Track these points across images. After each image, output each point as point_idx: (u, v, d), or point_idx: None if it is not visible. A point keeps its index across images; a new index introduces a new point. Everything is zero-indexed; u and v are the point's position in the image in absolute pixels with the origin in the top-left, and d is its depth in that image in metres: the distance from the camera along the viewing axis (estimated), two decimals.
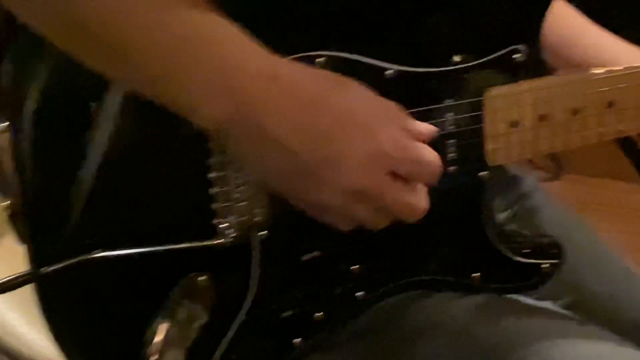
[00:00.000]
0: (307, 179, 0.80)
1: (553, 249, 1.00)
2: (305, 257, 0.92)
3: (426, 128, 0.86)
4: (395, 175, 0.82)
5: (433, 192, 0.88)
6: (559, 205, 1.19)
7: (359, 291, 0.96)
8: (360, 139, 0.80)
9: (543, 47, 0.98)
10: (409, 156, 0.82)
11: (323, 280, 0.94)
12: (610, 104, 0.94)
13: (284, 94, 0.78)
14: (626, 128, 0.95)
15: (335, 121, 0.79)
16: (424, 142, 0.84)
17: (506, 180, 1.17)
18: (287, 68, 0.80)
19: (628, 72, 0.93)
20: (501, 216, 1.13)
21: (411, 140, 0.83)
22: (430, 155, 0.84)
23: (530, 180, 1.20)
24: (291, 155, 0.78)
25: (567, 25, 1.10)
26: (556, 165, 2.87)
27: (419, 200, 0.85)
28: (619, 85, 0.93)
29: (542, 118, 0.92)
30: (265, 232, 0.89)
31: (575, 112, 0.93)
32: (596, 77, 0.93)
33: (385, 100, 0.84)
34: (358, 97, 0.82)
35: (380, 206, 0.83)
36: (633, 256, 2.50)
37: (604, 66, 0.95)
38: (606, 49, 1.07)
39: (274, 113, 0.77)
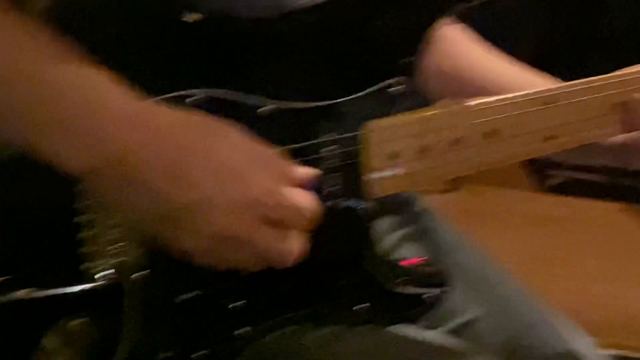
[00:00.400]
0: (176, 224, 0.79)
1: (438, 278, 1.00)
2: (183, 297, 0.90)
3: (304, 172, 0.85)
4: (268, 222, 0.81)
5: (315, 227, 0.87)
6: (447, 227, 1.19)
7: (241, 328, 0.94)
8: (230, 184, 0.79)
9: (438, 77, 0.98)
10: (282, 202, 0.82)
11: (203, 319, 0.92)
12: (489, 134, 0.93)
13: (153, 141, 0.77)
14: (504, 158, 0.95)
15: (205, 167, 0.79)
16: (300, 186, 0.83)
17: (393, 207, 1.17)
18: (157, 113, 0.79)
19: (505, 102, 0.94)
20: (386, 245, 1.12)
21: (285, 187, 0.82)
22: (305, 201, 0.84)
23: (419, 204, 1.20)
24: (160, 200, 0.78)
25: (461, 54, 1.10)
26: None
27: (292, 246, 0.84)
28: (497, 116, 0.93)
29: (422, 150, 0.92)
30: (140, 273, 0.87)
31: (455, 142, 0.93)
32: (475, 108, 0.93)
33: (260, 145, 0.83)
34: (230, 142, 0.81)
35: (250, 253, 0.82)
36: (528, 266, 2.54)
37: (499, 93, 0.96)
38: (501, 76, 1.07)
39: (143, 159, 0.77)
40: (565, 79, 1.00)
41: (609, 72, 0.99)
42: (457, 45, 1.11)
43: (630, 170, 1.09)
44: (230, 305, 0.92)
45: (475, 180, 2.85)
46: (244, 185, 0.79)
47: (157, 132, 0.78)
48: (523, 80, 1.08)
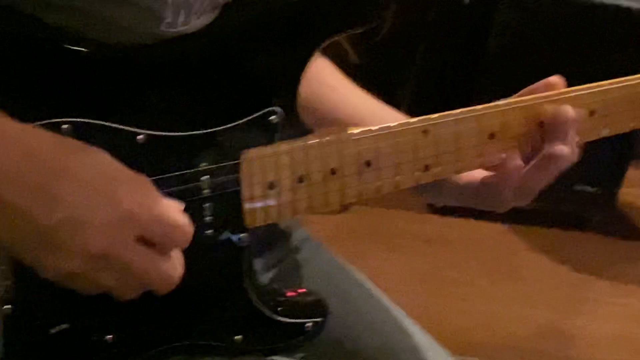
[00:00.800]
0: (47, 244, 0.77)
1: (317, 308, 1.00)
2: (54, 330, 0.88)
3: (172, 202, 0.85)
4: (142, 240, 0.80)
5: (192, 255, 0.86)
6: (328, 257, 1.19)
7: None
8: (102, 202, 0.78)
9: (308, 109, 0.98)
10: (157, 218, 0.81)
11: (75, 352, 0.90)
12: (367, 163, 0.93)
13: (21, 161, 0.76)
14: (383, 187, 0.95)
15: (75, 185, 0.78)
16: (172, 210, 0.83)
17: (273, 237, 1.16)
18: (26, 133, 0.78)
19: (382, 131, 0.94)
20: (266, 275, 1.11)
21: (159, 205, 0.82)
22: (179, 217, 0.83)
23: (300, 233, 1.19)
24: (31, 220, 0.77)
25: (331, 89, 1.11)
26: None
27: (172, 268, 0.83)
28: (374, 145, 0.93)
29: (300, 179, 0.92)
30: (9, 306, 0.85)
31: (333, 172, 0.92)
32: (353, 138, 0.93)
33: (132, 172, 0.82)
34: (101, 162, 0.80)
35: (127, 274, 0.81)
36: (418, 286, 2.57)
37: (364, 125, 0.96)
38: (363, 110, 1.07)
39: (12, 180, 0.76)
40: (453, 104, 1.01)
41: (496, 96, 1.00)
42: (322, 78, 1.11)
43: None
44: (101, 339, 0.90)
45: (364, 201, 2.87)
46: (116, 201, 0.79)
47: (26, 151, 0.77)
48: (390, 114, 1.09)
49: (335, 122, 1.01)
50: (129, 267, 0.80)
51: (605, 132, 1.02)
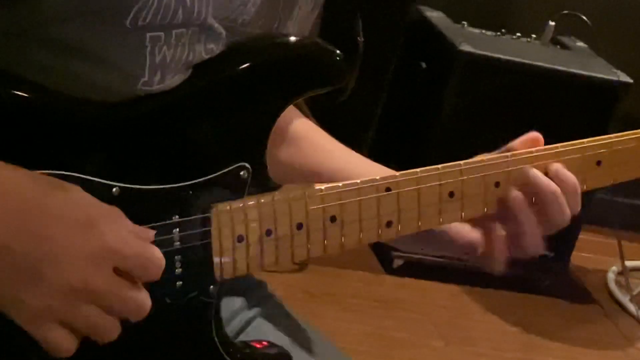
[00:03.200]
0: (28, 279, 0.79)
1: (281, 359, 1.01)
2: None
3: (146, 230, 0.87)
4: (120, 273, 0.83)
5: (163, 308, 0.89)
6: (291, 315, 1.20)
7: None
8: (82, 236, 0.81)
9: (294, 166, 1.01)
10: (133, 251, 0.83)
11: None
12: (332, 219, 0.96)
13: None
14: (348, 243, 0.97)
15: (54, 220, 0.80)
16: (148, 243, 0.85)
17: (242, 288, 1.18)
18: (2, 171, 0.80)
19: (347, 188, 0.97)
20: (233, 326, 1.13)
21: (134, 237, 0.84)
22: (153, 250, 0.85)
23: (264, 289, 1.21)
24: (11, 256, 0.78)
25: (314, 149, 1.13)
26: None
27: (146, 297, 0.85)
28: (340, 201, 0.96)
29: (267, 233, 0.94)
30: None
31: (300, 226, 0.95)
32: (319, 193, 0.96)
33: (105, 204, 0.84)
34: (78, 197, 0.83)
35: (106, 305, 0.82)
36: (373, 348, 2.57)
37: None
38: (349, 169, 1.10)
39: None
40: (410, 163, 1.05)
41: (451, 154, 1.04)
42: (305, 138, 1.14)
43: None
44: None
45: (320, 260, 2.89)
46: (97, 235, 0.81)
47: (4, 189, 0.79)
48: (364, 168, 1.12)
49: (320, 179, 1.03)
50: (108, 297, 0.82)
51: None
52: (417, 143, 2.85)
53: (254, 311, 1.17)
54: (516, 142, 1.04)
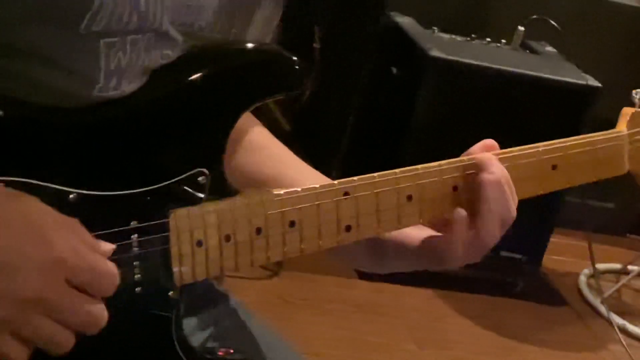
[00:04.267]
0: None
1: None
2: None
3: (104, 245, 0.87)
4: (72, 285, 0.82)
5: (123, 313, 0.89)
6: (261, 324, 1.21)
7: None
8: (34, 247, 0.80)
9: (252, 175, 1.03)
10: (87, 265, 0.83)
11: None
12: (291, 223, 0.97)
13: None
14: (307, 247, 0.98)
15: (6, 231, 0.79)
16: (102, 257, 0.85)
17: (207, 297, 1.18)
18: None
19: (306, 192, 0.97)
20: (199, 334, 1.13)
21: (89, 251, 0.84)
22: (107, 266, 0.85)
23: (233, 299, 1.21)
24: None
25: (273, 159, 1.14)
26: (276, 262, 2.94)
27: (101, 309, 0.85)
28: (298, 206, 0.97)
29: (226, 238, 0.95)
30: None
31: (259, 231, 0.96)
32: (277, 198, 0.96)
33: (63, 215, 0.84)
34: (33, 207, 0.83)
35: (59, 318, 0.82)
36: (346, 352, 2.58)
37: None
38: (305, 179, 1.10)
39: None
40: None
41: (423, 161, 1.04)
42: (265, 147, 1.15)
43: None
44: None
45: (293, 266, 2.90)
46: (50, 247, 0.81)
47: None
48: (319, 179, 1.12)
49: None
50: (60, 310, 0.82)
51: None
52: (390, 148, 2.86)
53: (224, 320, 1.17)
54: (474, 148, 1.05)
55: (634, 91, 1.16)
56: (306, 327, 2.61)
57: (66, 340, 0.84)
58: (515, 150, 1.06)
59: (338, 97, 3.15)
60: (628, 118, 1.15)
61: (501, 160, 1.03)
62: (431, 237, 1.04)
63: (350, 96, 3.13)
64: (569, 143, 1.09)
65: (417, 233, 1.04)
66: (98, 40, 0.89)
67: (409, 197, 1.02)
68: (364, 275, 2.95)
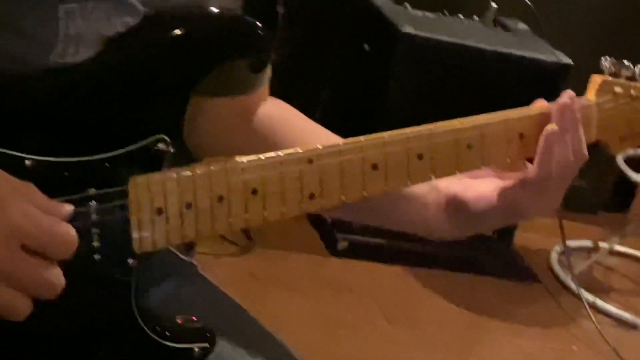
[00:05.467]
0: None
1: (204, 334, 1.01)
2: None
3: (61, 206, 0.86)
4: (29, 251, 0.82)
5: (81, 281, 0.88)
6: (222, 294, 1.20)
7: None
8: None
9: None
10: (43, 229, 0.82)
11: None
12: (254, 191, 0.96)
13: None
14: (270, 215, 0.97)
15: None
16: (60, 219, 0.84)
17: (169, 265, 1.17)
18: None
19: (269, 160, 0.96)
20: (158, 303, 1.12)
21: (44, 215, 0.83)
22: (64, 228, 0.84)
23: (193, 266, 1.21)
24: None
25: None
26: (247, 239, 2.94)
27: (57, 274, 0.84)
28: (261, 173, 0.96)
29: (188, 205, 0.93)
30: None
31: (220, 199, 0.95)
32: (240, 166, 0.95)
33: (17, 179, 0.83)
34: None
35: (16, 285, 0.81)
36: (317, 329, 2.58)
37: None
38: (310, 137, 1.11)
39: None
40: None
41: None
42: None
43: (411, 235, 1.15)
44: None
45: (265, 243, 2.90)
46: (3, 215, 0.79)
47: None
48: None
49: None
50: (17, 277, 0.81)
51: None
52: (363, 124, 2.85)
53: (179, 290, 1.16)
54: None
55: (602, 58, 1.14)
56: (276, 304, 2.61)
57: (24, 306, 0.83)
58: (480, 117, 1.05)
59: (310, 73, 3.14)
60: (597, 86, 1.13)
61: (469, 129, 1.03)
62: (514, 182, 1.06)
63: (323, 72, 3.13)
64: (533, 112, 1.08)
65: (486, 190, 1.08)
66: (57, 6, 0.87)
67: (374, 166, 1.01)
68: (335, 253, 2.96)
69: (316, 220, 3.04)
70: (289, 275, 2.84)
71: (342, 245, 2.96)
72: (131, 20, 0.93)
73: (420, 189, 1.11)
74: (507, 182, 1.08)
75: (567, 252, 2.94)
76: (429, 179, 1.05)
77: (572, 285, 3.04)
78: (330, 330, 2.62)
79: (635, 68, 1.15)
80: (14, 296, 0.82)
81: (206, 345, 1.00)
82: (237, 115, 1.13)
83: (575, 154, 1.06)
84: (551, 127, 1.05)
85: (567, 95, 1.08)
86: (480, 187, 1.10)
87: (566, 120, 1.06)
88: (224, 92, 1.08)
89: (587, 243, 3.39)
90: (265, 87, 1.15)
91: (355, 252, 2.97)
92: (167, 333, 0.98)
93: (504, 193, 1.07)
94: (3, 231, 0.80)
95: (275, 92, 1.19)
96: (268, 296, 2.66)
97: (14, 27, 0.87)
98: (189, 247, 1.21)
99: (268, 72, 1.12)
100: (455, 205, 1.10)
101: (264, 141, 1.12)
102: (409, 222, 1.14)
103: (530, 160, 1.07)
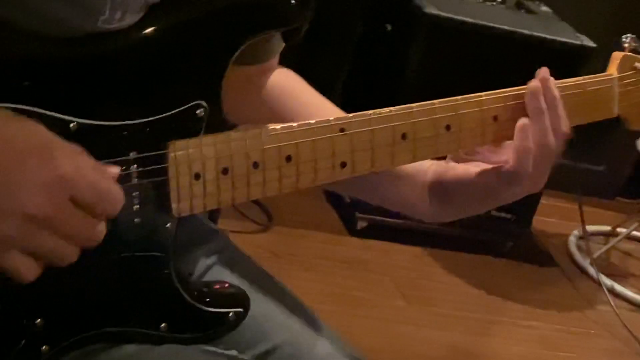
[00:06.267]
0: None
1: (239, 299, 1.04)
2: None
3: (109, 168, 0.88)
4: (76, 203, 0.83)
5: (121, 241, 0.92)
6: (250, 261, 1.22)
7: (44, 345, 0.94)
8: (36, 164, 0.81)
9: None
10: (92, 184, 0.84)
11: (4, 336, 0.91)
12: (288, 158, 0.98)
13: None
14: (302, 182, 0.99)
15: (8, 148, 0.80)
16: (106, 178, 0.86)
17: (202, 234, 1.19)
18: None
19: (302, 128, 0.99)
20: (192, 266, 1.15)
21: (93, 171, 0.85)
22: (111, 185, 0.87)
23: (225, 235, 1.23)
24: None
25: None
26: (266, 217, 2.96)
27: (99, 225, 0.86)
28: (295, 141, 0.98)
29: (224, 171, 0.96)
30: None
31: (256, 165, 0.97)
32: (273, 133, 0.97)
33: (66, 141, 0.85)
34: (35, 128, 0.83)
35: (61, 232, 0.83)
36: (334, 307, 2.60)
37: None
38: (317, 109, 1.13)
39: None
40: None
41: None
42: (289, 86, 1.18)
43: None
44: (31, 323, 0.92)
45: (284, 221, 2.91)
46: (52, 163, 0.81)
47: None
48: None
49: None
50: (63, 225, 0.83)
51: None
52: (383, 105, 2.85)
53: (213, 258, 1.18)
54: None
55: (623, 36, 1.16)
56: (294, 282, 2.58)
57: (71, 253, 0.85)
58: (507, 91, 1.07)
59: (331, 53, 3.15)
60: (618, 62, 1.15)
61: (491, 101, 1.06)
62: (497, 165, 1.06)
63: (344, 52, 3.13)
64: (560, 84, 1.10)
65: (468, 171, 1.07)
66: None
67: (403, 136, 1.03)
68: (353, 232, 2.97)
69: (335, 200, 3.06)
70: (307, 253, 2.85)
71: (360, 224, 2.97)
72: None
73: (411, 168, 1.12)
74: (486, 167, 1.08)
75: (585, 236, 2.96)
76: (457, 151, 1.07)
77: (591, 270, 3.05)
78: (348, 309, 2.63)
79: None
80: (61, 244, 0.84)
81: (241, 310, 1.02)
82: (248, 83, 1.14)
83: (556, 133, 1.06)
84: (522, 121, 1.05)
85: (539, 77, 1.09)
86: (459, 170, 1.09)
87: (540, 103, 1.06)
88: (252, 60, 1.10)
89: (606, 228, 3.40)
90: (276, 57, 1.16)
91: (374, 232, 2.98)
92: (204, 298, 1.01)
93: (481, 177, 1.07)
94: (54, 180, 0.81)
95: (297, 71, 1.21)
96: (286, 274, 2.65)
97: None
98: (214, 216, 1.24)
99: (280, 42, 1.13)
100: (435, 186, 1.11)
101: (271, 111, 1.14)
102: (399, 200, 1.14)
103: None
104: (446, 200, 1.10)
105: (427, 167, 1.12)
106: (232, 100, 1.09)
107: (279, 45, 1.13)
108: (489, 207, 1.08)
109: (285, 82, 1.19)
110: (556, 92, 1.07)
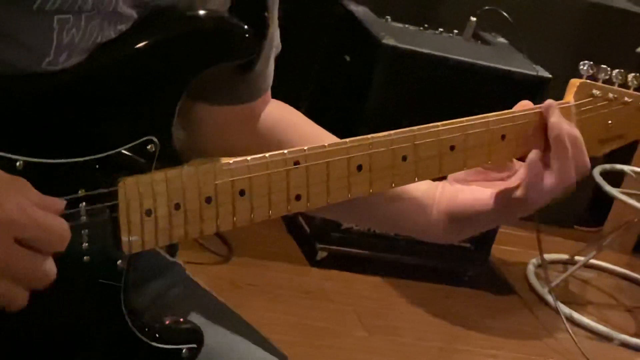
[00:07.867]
0: None
1: (193, 335, 1.02)
2: None
3: (54, 201, 0.87)
4: (22, 243, 0.82)
5: (70, 282, 0.90)
6: (207, 293, 1.21)
7: None
8: None
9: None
10: (36, 222, 0.83)
11: None
12: (241, 192, 0.97)
13: None
14: (257, 216, 0.98)
15: None
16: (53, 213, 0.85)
17: (157, 267, 1.18)
18: None
19: (256, 162, 0.98)
20: (145, 302, 1.13)
21: (37, 208, 0.84)
22: (57, 221, 0.85)
23: (180, 268, 1.21)
24: None
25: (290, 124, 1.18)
26: (226, 248, 2.94)
27: (49, 265, 0.85)
28: (248, 174, 0.97)
29: (176, 207, 0.95)
30: None
31: (209, 200, 0.96)
32: (226, 167, 0.96)
33: (11, 176, 0.84)
34: None
35: (8, 275, 0.82)
36: (296, 337, 2.58)
37: None
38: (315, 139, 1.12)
39: None
40: None
41: None
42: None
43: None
44: None
45: (245, 252, 2.90)
46: None
47: None
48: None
49: None
50: (12, 268, 0.82)
51: None
52: (343, 135, 2.86)
53: (168, 292, 1.17)
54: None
55: (581, 63, 1.16)
56: (256, 312, 2.60)
57: (21, 296, 0.84)
58: (464, 120, 1.07)
59: (291, 84, 3.15)
60: (575, 89, 1.15)
61: (452, 130, 1.05)
62: (506, 189, 1.09)
63: (304, 83, 3.14)
64: (516, 114, 1.10)
65: (481, 194, 1.11)
66: (52, 17, 0.89)
67: (359, 167, 1.02)
68: (313, 263, 2.96)
69: (295, 230, 3.05)
70: (269, 283, 2.84)
71: (321, 255, 2.97)
72: (124, 27, 0.94)
73: (415, 191, 1.13)
74: (501, 188, 1.10)
75: (544, 264, 2.96)
76: (414, 181, 1.07)
77: (549, 298, 3.06)
78: (310, 340, 2.62)
79: (613, 72, 1.17)
80: (10, 287, 0.83)
81: (194, 345, 1.01)
82: (240, 121, 1.14)
83: (577, 169, 1.09)
84: (533, 154, 1.08)
85: (555, 115, 1.10)
86: (467, 194, 1.12)
87: (563, 140, 1.08)
88: (223, 99, 1.10)
89: (564, 256, 3.42)
90: (268, 92, 1.16)
91: (334, 262, 2.98)
92: (156, 334, 0.99)
93: (495, 203, 1.10)
94: None
95: None
96: (247, 304, 2.65)
97: (11, 37, 0.87)
98: (172, 249, 1.23)
99: (270, 76, 1.14)
100: (452, 212, 1.13)
101: (269, 145, 1.13)
102: (404, 223, 1.16)
103: (522, 159, 1.09)
104: (466, 224, 1.13)
105: (435, 192, 1.14)
106: (225, 138, 1.10)
107: (263, 82, 1.12)
108: (503, 223, 1.13)
109: (281, 115, 1.18)
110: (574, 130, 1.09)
